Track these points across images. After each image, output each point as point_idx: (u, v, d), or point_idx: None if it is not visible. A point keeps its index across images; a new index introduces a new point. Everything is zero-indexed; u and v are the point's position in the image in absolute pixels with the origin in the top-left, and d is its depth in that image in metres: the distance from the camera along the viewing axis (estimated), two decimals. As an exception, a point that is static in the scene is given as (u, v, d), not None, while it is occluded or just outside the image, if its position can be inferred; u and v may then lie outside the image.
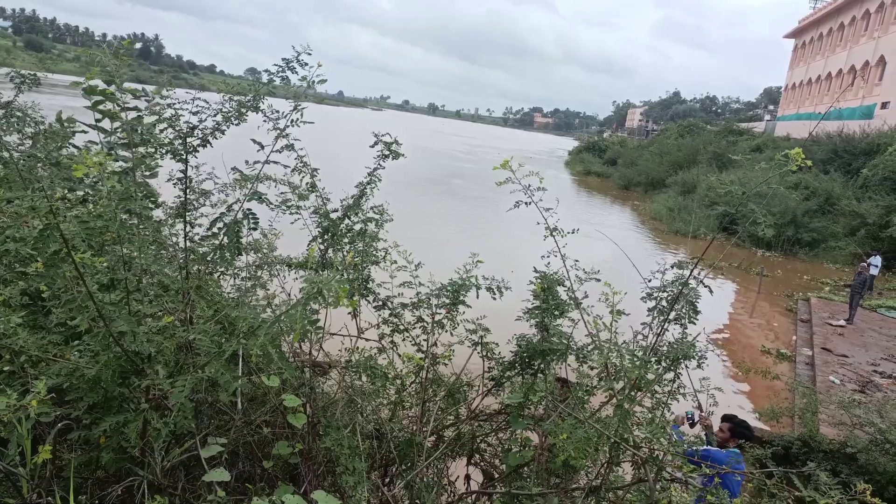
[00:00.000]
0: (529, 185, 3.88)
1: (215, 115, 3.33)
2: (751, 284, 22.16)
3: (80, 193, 3.07)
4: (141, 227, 3.01)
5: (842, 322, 16.61)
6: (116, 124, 2.92)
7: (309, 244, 4.09)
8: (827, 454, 7.90)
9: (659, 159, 53.26)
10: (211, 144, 3.36)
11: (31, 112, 4.63)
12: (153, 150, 3.06)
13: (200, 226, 3.53)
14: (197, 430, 3.04)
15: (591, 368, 3.90)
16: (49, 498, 2.58)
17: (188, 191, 3.40)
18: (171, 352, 2.95)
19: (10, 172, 3.86)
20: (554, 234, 3.91)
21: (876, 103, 42.40)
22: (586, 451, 3.31)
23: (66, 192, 3.13)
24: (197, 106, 3.27)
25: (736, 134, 53.97)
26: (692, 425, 5.31)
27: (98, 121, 2.95)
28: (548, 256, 3.98)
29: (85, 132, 3.20)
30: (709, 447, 4.67)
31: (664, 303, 3.69)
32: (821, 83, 56.52)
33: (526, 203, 3.90)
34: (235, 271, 3.97)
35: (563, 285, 3.96)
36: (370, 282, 4.15)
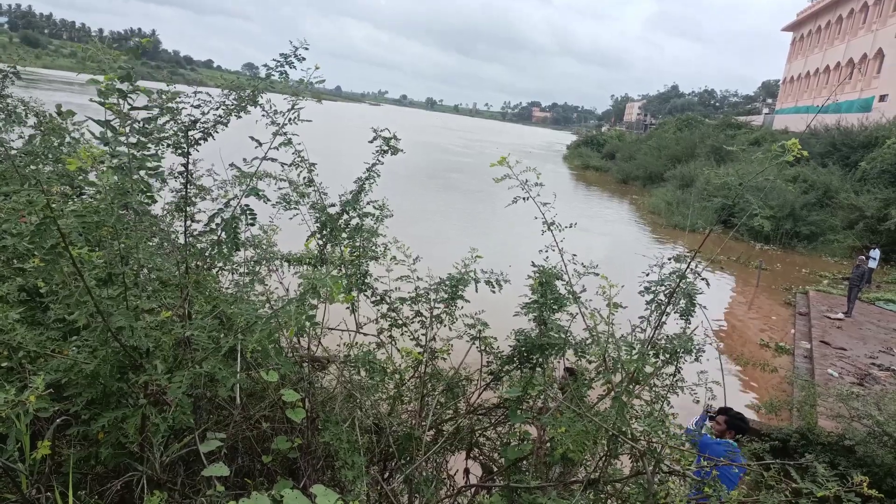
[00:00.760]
0: (527, 181, 3.88)
1: (217, 109, 3.34)
2: (749, 278, 22.19)
3: (77, 188, 3.06)
4: (138, 221, 3.01)
5: (840, 315, 16.64)
6: (126, 122, 2.91)
7: (307, 240, 4.09)
8: (825, 447, 7.92)
9: (657, 153, 53.23)
10: (213, 137, 3.36)
11: (32, 105, 4.61)
12: (156, 144, 3.06)
13: (199, 221, 3.53)
14: (196, 426, 3.05)
15: (590, 362, 3.91)
16: (48, 493, 2.59)
17: (188, 185, 3.40)
18: (170, 347, 2.95)
19: (7, 168, 3.85)
20: (551, 228, 3.91)
21: (874, 96, 42.38)
22: (585, 445, 3.32)
23: (64, 187, 3.12)
24: (199, 100, 3.27)
25: (734, 127, 53.94)
26: (712, 419, 5.36)
27: (109, 120, 2.95)
28: (546, 251, 3.98)
29: (78, 124, 3.19)
30: (706, 436, 4.69)
31: (662, 296, 3.69)
32: (819, 76, 56.47)
33: (524, 199, 3.90)
34: (234, 267, 3.97)
35: (562, 279, 3.97)
36: (368, 276, 4.15)
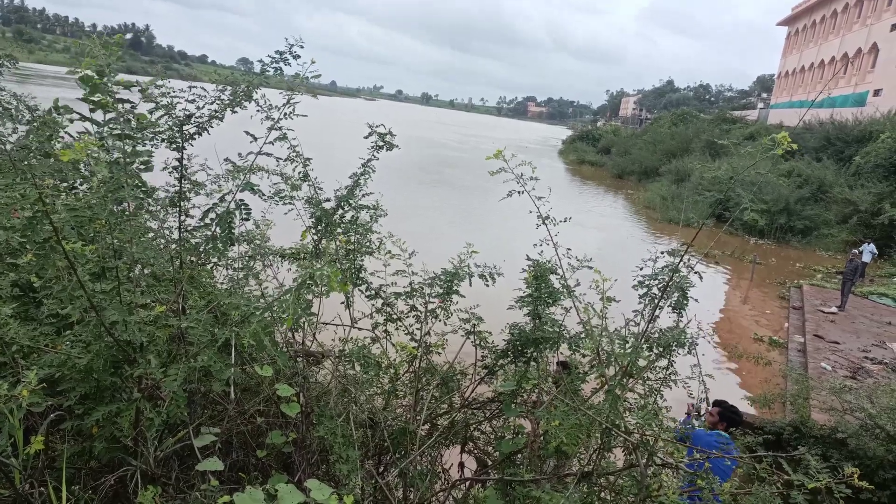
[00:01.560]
0: (522, 175, 3.88)
1: (212, 104, 3.33)
2: (744, 272, 22.27)
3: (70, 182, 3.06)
4: (133, 216, 3.00)
5: (833, 309, 16.73)
6: (110, 115, 2.90)
7: (303, 234, 4.09)
8: (818, 439, 7.97)
9: (652, 148, 53.35)
10: (208, 132, 3.36)
11: (25, 100, 4.58)
12: (149, 138, 3.05)
13: (193, 217, 3.52)
14: (190, 420, 3.05)
15: (583, 356, 3.93)
16: (42, 488, 2.59)
17: (182, 180, 3.39)
18: (164, 341, 2.95)
19: (3, 161, 3.83)
20: (546, 222, 3.92)
21: (868, 91, 42.51)
22: (578, 438, 3.34)
23: (57, 181, 3.11)
24: (193, 94, 3.26)
25: (729, 122, 54.04)
26: (698, 417, 5.37)
27: (92, 111, 2.94)
28: (540, 245, 3.99)
29: (78, 120, 3.17)
30: (698, 429, 4.72)
31: (655, 290, 3.70)
32: (814, 71, 56.56)
33: (518, 192, 3.90)
34: (228, 262, 3.97)
35: (556, 273, 3.98)
36: (363, 271, 4.16)
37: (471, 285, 4.16)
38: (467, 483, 4.21)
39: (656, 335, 3.68)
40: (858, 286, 19.24)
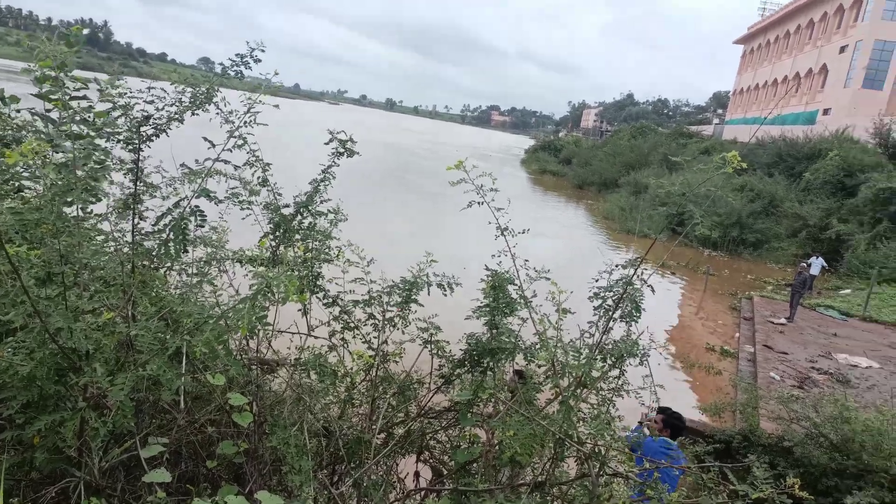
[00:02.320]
0: (482, 186, 3.91)
1: (171, 105, 3.27)
2: (697, 283, 22.81)
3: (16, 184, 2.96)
4: (82, 219, 2.93)
5: (783, 320, 17.25)
6: (65, 114, 2.83)
7: (260, 240, 4.03)
8: (766, 448, 8.19)
9: (612, 160, 54.34)
10: (167, 134, 3.29)
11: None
12: (104, 138, 2.98)
13: (147, 219, 3.44)
14: (137, 430, 2.97)
15: (539, 367, 3.96)
16: (-22, 501, 2.49)
17: (137, 182, 3.32)
18: (111, 349, 2.87)
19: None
20: (505, 233, 3.95)
21: (818, 109, 44.13)
22: (532, 448, 3.37)
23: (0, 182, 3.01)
24: (152, 95, 3.20)
25: (686, 137, 55.47)
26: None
27: (48, 110, 2.86)
28: (499, 256, 4.02)
29: (32, 117, 3.07)
30: (648, 437, 4.80)
31: (609, 302, 3.77)
32: (767, 88, 58.47)
33: (479, 203, 3.93)
34: (182, 267, 3.89)
35: (514, 284, 4.01)
36: (321, 278, 4.12)
37: (429, 294, 4.16)
38: (422, 493, 4.20)
39: (610, 346, 3.74)
40: (807, 298, 19.89)
